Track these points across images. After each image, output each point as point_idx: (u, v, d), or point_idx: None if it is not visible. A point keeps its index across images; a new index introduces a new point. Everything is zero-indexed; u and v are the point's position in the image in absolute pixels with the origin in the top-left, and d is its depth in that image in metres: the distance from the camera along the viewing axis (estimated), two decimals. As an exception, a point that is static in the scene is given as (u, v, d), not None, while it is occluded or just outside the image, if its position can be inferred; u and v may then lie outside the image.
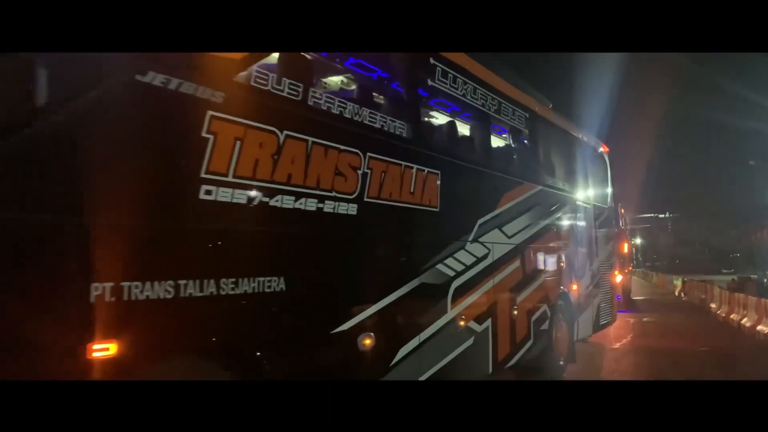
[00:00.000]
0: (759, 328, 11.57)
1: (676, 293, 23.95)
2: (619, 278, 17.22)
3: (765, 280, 23.14)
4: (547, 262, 7.18)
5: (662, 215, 67.39)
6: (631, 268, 23.02)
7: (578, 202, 8.46)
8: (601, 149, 9.97)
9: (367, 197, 3.86)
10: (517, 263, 6.26)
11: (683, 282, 23.53)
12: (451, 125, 5.73)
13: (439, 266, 4.74)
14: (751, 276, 26.52)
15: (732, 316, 13.97)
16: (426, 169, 4.54)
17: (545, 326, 6.92)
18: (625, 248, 18.86)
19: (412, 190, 4.36)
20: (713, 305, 16.59)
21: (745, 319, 12.87)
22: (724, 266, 52.46)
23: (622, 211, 19.69)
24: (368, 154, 3.86)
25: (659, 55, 36.72)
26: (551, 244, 7.35)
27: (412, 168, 4.36)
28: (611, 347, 10.39)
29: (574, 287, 8.02)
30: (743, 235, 31.18)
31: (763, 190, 37.86)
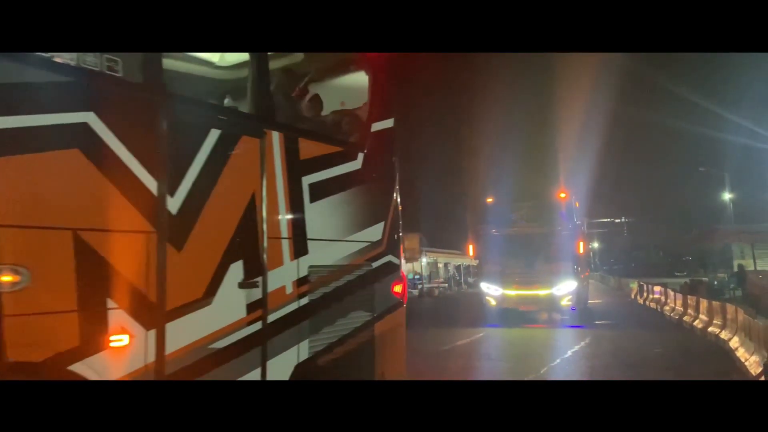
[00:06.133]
0: (710, 329, 11.82)
1: (632, 296, 24.52)
2: (574, 286, 15.32)
3: (715, 283, 23.85)
4: None
5: (618, 220, 69.11)
6: (588, 273, 22.99)
7: (189, 112, 3.37)
8: None
9: None
10: None
11: (639, 285, 24.11)
12: None
13: None
14: (703, 279, 27.36)
15: (685, 318, 14.30)
16: None
17: None
18: (581, 248, 17.12)
19: None
20: (667, 308, 16.98)
21: (696, 321, 13.17)
22: (677, 269, 54.33)
23: (577, 204, 18.63)
24: None
25: (611, 59, 37.61)
26: None
27: None
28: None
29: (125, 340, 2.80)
30: (695, 239, 32.26)
31: (712, 196, 39.26)
